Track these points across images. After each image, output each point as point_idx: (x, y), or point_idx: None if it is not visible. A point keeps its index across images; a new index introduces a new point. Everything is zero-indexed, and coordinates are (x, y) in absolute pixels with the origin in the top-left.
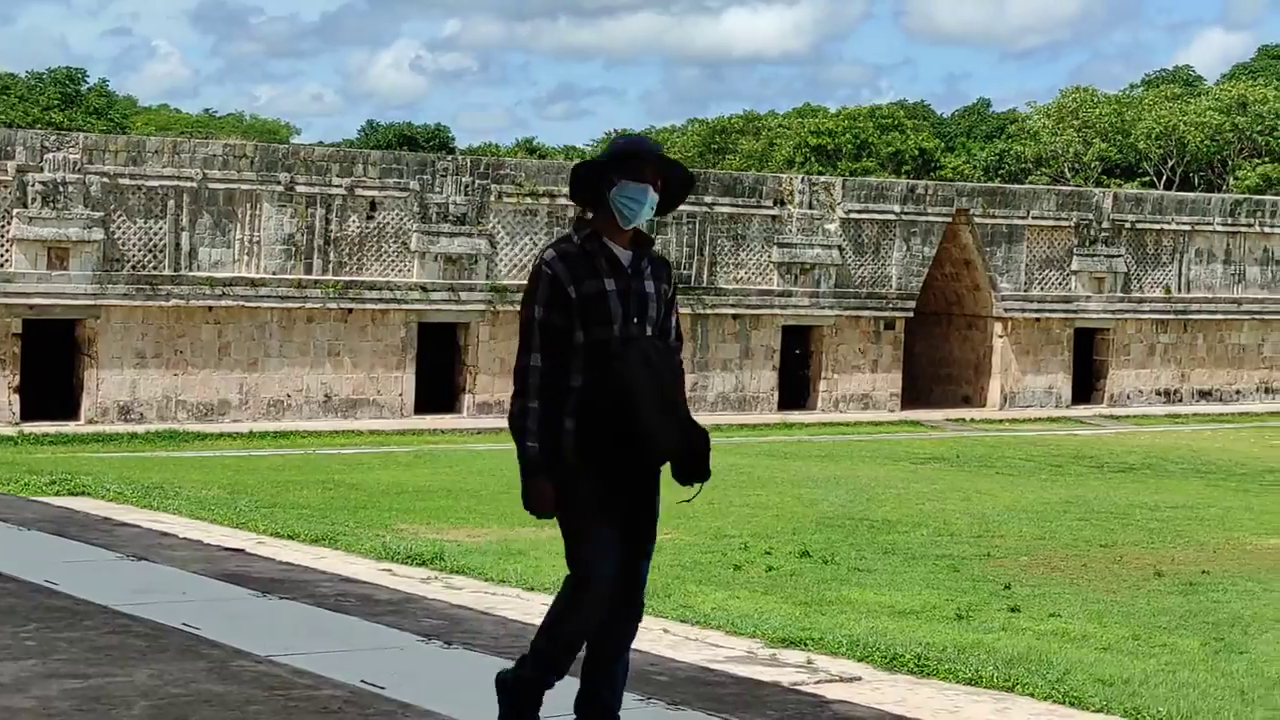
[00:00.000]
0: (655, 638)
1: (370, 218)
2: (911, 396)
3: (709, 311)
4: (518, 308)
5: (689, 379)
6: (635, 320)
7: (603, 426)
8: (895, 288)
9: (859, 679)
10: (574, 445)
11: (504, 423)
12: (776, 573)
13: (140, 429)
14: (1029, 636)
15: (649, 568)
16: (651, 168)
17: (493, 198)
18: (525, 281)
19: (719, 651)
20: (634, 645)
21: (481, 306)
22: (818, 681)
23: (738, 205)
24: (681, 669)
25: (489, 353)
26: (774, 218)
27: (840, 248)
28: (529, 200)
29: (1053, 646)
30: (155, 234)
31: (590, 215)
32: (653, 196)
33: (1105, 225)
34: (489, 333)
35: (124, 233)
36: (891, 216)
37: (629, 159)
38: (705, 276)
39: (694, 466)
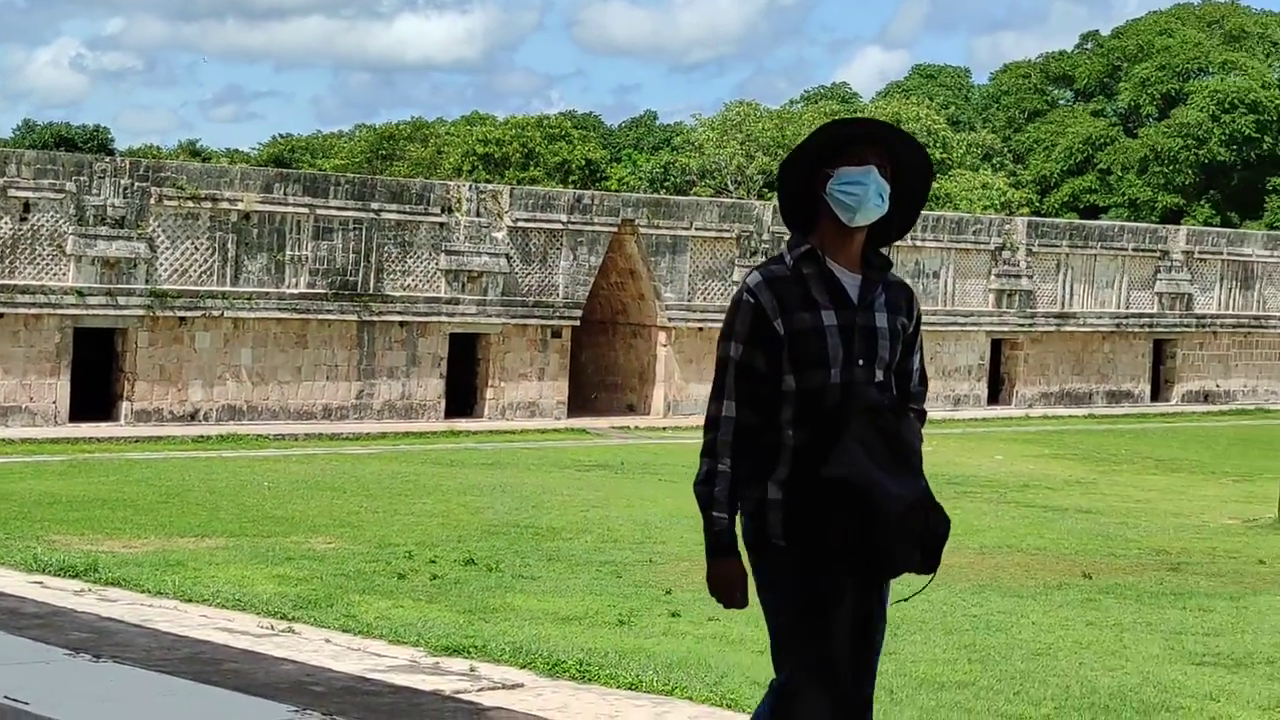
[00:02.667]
0: (316, 648)
1: (24, 219)
2: (578, 404)
3: (376, 319)
4: (179, 313)
5: (355, 387)
6: (861, 363)
7: (822, 503)
8: (562, 296)
9: (521, 686)
10: (781, 520)
11: (165, 430)
12: (441, 581)
13: None
14: (689, 641)
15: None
16: (876, 147)
17: (153, 200)
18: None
19: (381, 661)
20: (290, 656)
21: (140, 312)
22: (480, 689)
23: (405, 212)
24: (339, 679)
25: (148, 359)
26: (442, 225)
27: (508, 256)
28: (191, 204)
29: (712, 650)
30: None
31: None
32: (880, 180)
33: (765, 237)
34: (148, 339)
35: None
36: (559, 226)
37: (842, 139)
38: (372, 283)
39: (926, 558)
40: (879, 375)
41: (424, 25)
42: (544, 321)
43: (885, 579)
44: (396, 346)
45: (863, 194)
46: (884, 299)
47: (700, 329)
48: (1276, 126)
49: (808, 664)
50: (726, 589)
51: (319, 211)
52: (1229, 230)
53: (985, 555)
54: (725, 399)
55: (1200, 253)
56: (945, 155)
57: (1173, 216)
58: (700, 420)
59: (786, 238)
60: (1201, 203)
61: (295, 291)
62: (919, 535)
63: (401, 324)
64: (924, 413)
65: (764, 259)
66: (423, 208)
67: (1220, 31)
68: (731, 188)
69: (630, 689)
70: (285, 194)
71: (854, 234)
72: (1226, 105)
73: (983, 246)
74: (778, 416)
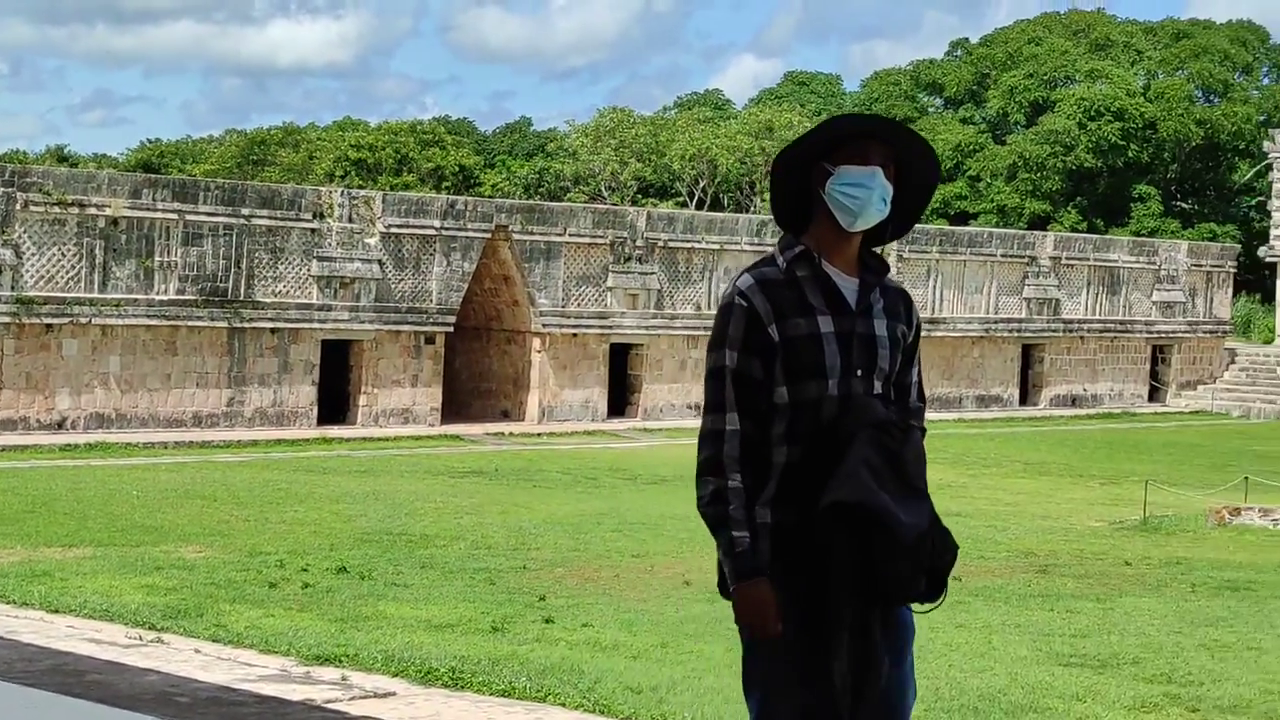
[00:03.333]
0: (186, 658)
1: None
2: (452, 411)
3: (247, 325)
4: (46, 320)
5: (225, 394)
6: (859, 373)
7: (823, 528)
8: (436, 302)
9: (393, 694)
10: (769, 547)
11: (31, 439)
12: (313, 589)
13: None
14: (563, 647)
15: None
16: (880, 146)
17: (19, 206)
18: (56, 293)
19: (251, 671)
20: (157, 667)
21: (6, 319)
22: (351, 698)
23: (276, 218)
24: (205, 689)
25: (14, 367)
26: (313, 231)
27: (380, 262)
28: (58, 209)
29: (585, 656)
30: None
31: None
32: (884, 183)
33: (639, 243)
34: (14, 346)
35: None
36: (432, 232)
37: (845, 135)
38: (243, 290)
39: (932, 584)
40: (878, 387)
41: (297, 30)
42: (417, 328)
43: (896, 602)
44: (268, 353)
45: (865, 198)
46: (882, 304)
47: (575, 335)
48: (1141, 134)
49: (802, 710)
50: (760, 614)
51: (189, 217)
52: (1095, 236)
53: None
54: (726, 411)
55: (1067, 259)
56: None
57: (1040, 223)
58: (577, 426)
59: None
60: (1069, 209)
61: (165, 298)
62: (928, 562)
63: (273, 331)
64: (924, 430)
65: (633, 262)
66: (294, 213)
67: (1086, 40)
68: (605, 194)
69: (503, 696)
70: (154, 200)
71: (852, 236)
72: (1093, 113)
73: None
74: (768, 431)
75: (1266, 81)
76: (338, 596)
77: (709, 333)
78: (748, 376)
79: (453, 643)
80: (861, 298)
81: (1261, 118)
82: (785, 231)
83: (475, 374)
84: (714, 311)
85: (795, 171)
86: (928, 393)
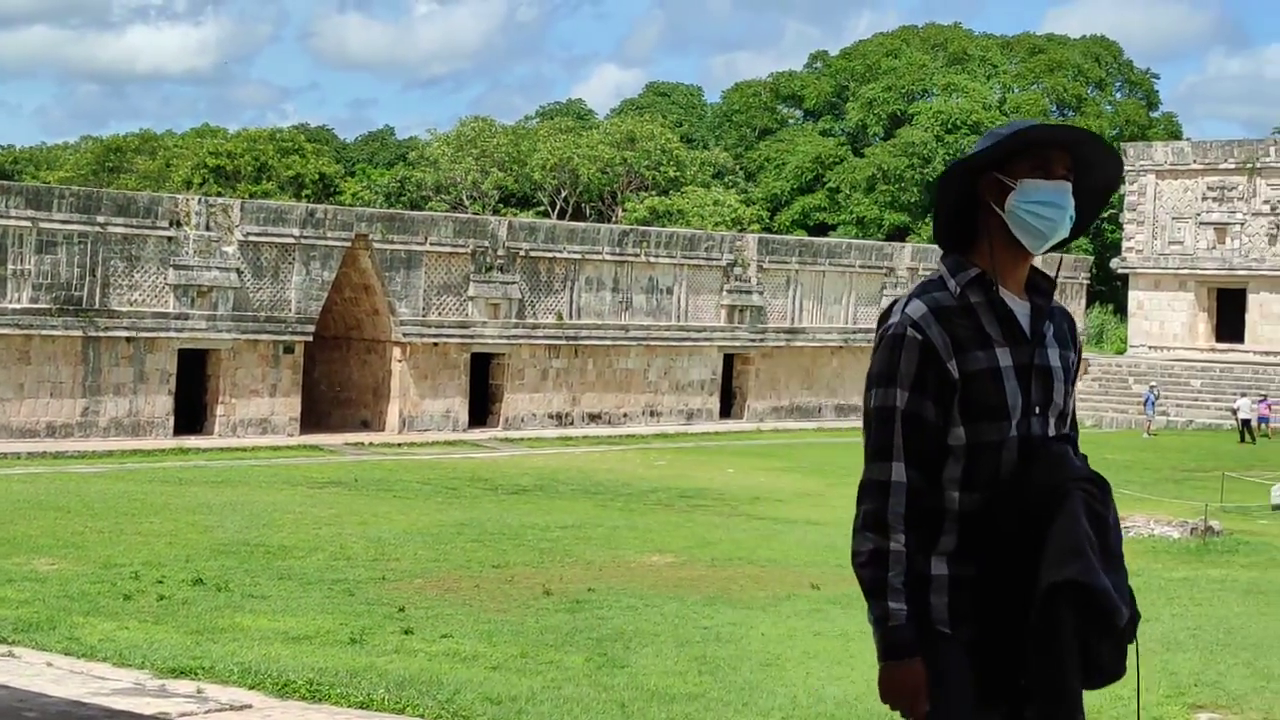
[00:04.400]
0: (37, 672)
1: None
2: (312, 421)
3: (102, 334)
4: None
5: (80, 404)
6: (1037, 410)
7: (1005, 581)
8: (295, 311)
9: (249, 707)
10: (947, 602)
11: None
12: (168, 601)
13: None
14: (422, 658)
15: None
16: (1060, 154)
17: None
18: None
19: (104, 684)
20: (6, 681)
21: None
22: (207, 711)
23: (132, 226)
24: (54, 704)
25: None
26: (170, 239)
27: (239, 270)
28: None
29: (444, 667)
30: None
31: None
32: (1071, 200)
33: (501, 253)
34: None
35: None
36: (291, 240)
37: (1027, 144)
38: (98, 298)
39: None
40: (1053, 425)
41: (155, 36)
42: (276, 337)
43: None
44: (123, 363)
45: (1057, 218)
46: (1053, 331)
47: (435, 344)
48: None
49: None
50: (909, 697)
51: (42, 225)
52: None
53: (716, 567)
54: (893, 460)
55: (925, 269)
56: (678, 173)
57: (898, 234)
58: (438, 436)
59: (938, 256)
60: (926, 220)
61: (17, 307)
62: (1130, 640)
63: (129, 340)
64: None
65: (494, 271)
66: (150, 221)
67: (944, 54)
68: (467, 203)
69: (362, 708)
70: (7, 207)
71: (1028, 256)
72: (950, 125)
73: (715, 263)
74: (939, 475)
75: (1120, 96)
76: (194, 608)
77: (568, 343)
78: (920, 419)
79: (311, 654)
80: (1035, 325)
81: (1114, 132)
82: (943, 250)
83: (335, 383)
84: (577, 320)
85: (962, 183)
86: (787, 402)
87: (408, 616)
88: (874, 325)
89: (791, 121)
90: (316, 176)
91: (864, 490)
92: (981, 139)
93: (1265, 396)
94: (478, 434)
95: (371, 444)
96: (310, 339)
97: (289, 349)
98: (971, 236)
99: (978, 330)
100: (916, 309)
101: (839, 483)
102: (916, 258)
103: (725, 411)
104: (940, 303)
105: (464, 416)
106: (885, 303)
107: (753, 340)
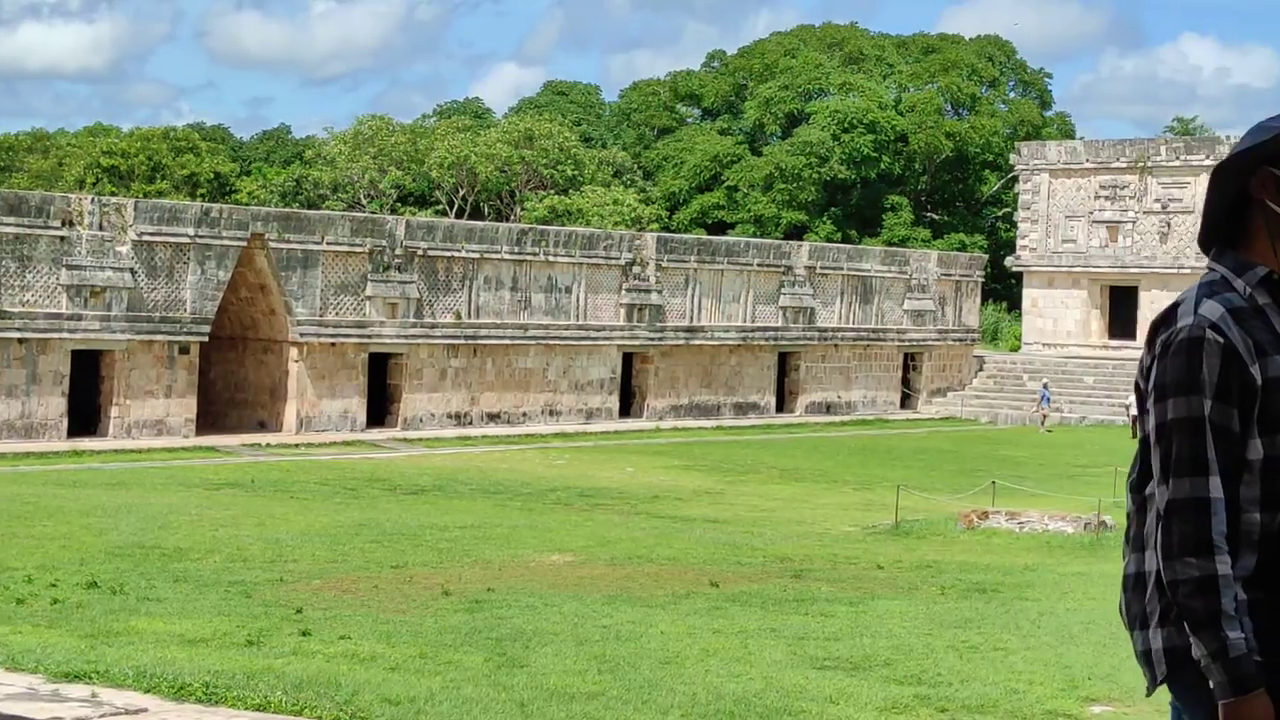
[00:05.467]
0: None
1: None
2: (208, 422)
3: None
4: None
5: None
6: None
7: None
8: (190, 311)
9: (145, 710)
10: (1254, 628)
11: None
12: (62, 605)
13: None
14: (319, 660)
15: None
16: None
17: None
18: None
19: None
20: None
21: None
22: (101, 715)
23: (24, 225)
24: None
25: None
26: (63, 239)
27: (133, 270)
28: None
29: (342, 668)
30: None
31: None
32: None
33: (399, 252)
34: None
35: None
36: (186, 239)
37: None
38: None
39: None
40: None
41: (48, 33)
42: (171, 337)
43: None
44: (15, 364)
45: None
46: None
47: (333, 344)
48: (893, 146)
49: None
50: None
51: None
52: (849, 246)
53: (616, 566)
54: (1209, 474)
55: (822, 268)
56: (576, 171)
57: (796, 233)
58: (336, 437)
59: (1204, 257)
60: (824, 219)
61: None
62: None
63: (20, 341)
64: None
65: (392, 271)
66: (42, 221)
67: (840, 53)
68: (364, 202)
69: (259, 710)
70: None
71: None
72: (846, 125)
73: (614, 262)
74: (1237, 493)
75: (1013, 95)
76: (88, 612)
77: (467, 342)
78: (1227, 430)
79: (207, 657)
80: None
81: (1008, 131)
82: (1205, 250)
83: (231, 384)
84: (476, 320)
85: (1236, 179)
86: (686, 400)
87: (305, 618)
88: (772, 324)
89: (690, 120)
90: (212, 175)
91: (1175, 511)
92: (1249, 132)
93: None
94: (376, 434)
95: (269, 445)
96: (206, 339)
97: (184, 349)
98: (1240, 236)
99: (1273, 334)
100: (1213, 310)
101: (738, 481)
102: (814, 256)
103: (624, 410)
104: (1234, 304)
105: (362, 417)
106: (1166, 304)
107: (652, 339)
